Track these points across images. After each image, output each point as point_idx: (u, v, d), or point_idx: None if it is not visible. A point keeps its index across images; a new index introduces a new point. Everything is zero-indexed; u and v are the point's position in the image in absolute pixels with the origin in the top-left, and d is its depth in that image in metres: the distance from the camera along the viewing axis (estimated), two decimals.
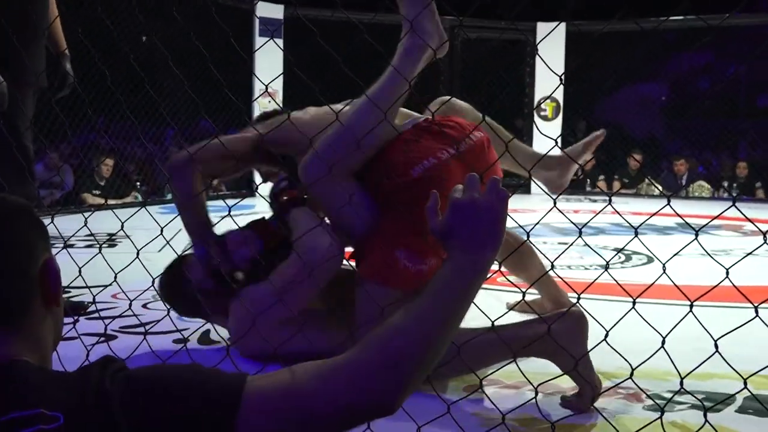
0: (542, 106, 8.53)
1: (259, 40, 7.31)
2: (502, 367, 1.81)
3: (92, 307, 2.53)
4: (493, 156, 2.14)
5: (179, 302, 2.32)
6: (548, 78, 8.30)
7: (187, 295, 2.23)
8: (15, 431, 0.79)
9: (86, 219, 2.14)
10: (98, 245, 2.15)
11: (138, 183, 7.47)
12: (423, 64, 2.06)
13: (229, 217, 1.92)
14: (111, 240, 4.39)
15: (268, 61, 6.84)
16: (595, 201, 8.09)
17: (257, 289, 2.13)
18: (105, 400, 0.83)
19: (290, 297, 2.07)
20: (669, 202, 1.40)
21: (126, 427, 0.82)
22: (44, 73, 2.97)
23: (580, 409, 1.83)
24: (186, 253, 2.32)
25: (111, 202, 6.68)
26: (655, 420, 1.56)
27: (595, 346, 1.62)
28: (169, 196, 7.26)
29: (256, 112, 7.23)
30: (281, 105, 7.32)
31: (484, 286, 1.06)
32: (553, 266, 1.61)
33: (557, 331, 1.80)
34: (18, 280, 0.91)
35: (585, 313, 1.84)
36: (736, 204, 1.45)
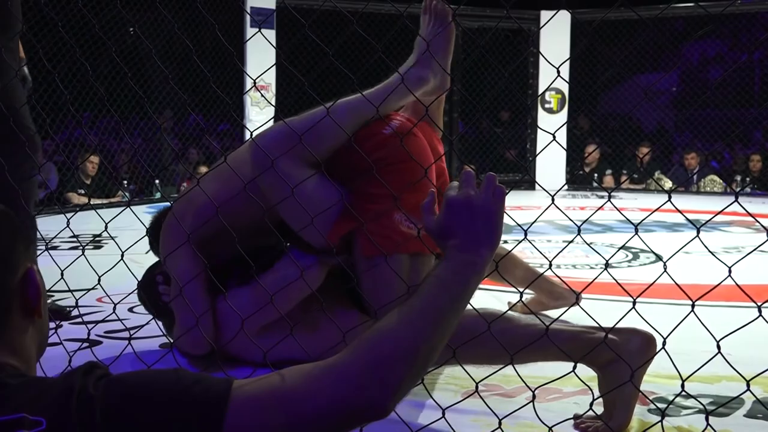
0: (547, 98, 8.35)
1: (250, 31, 7.13)
2: (498, 370, 1.70)
3: (75, 312, 2.53)
4: (427, 127, 2.14)
5: (150, 305, 2.29)
6: (553, 69, 8.08)
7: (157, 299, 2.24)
8: None
9: (68, 220, 2.05)
10: (81, 247, 2.08)
11: (125, 182, 7.32)
12: (405, 100, 2.05)
13: None
14: (96, 241, 4.29)
15: (261, 53, 6.64)
16: (602, 197, 7.90)
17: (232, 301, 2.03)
18: (88, 405, 0.83)
19: (260, 315, 1.99)
20: (670, 198, 1.36)
21: None
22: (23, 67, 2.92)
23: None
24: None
25: (97, 201, 6.53)
26: (656, 423, 1.54)
27: (594, 348, 1.56)
28: (158, 195, 7.10)
29: (248, 105, 7.05)
30: (274, 98, 7.17)
31: (482, 285, 1.00)
32: (551, 265, 1.52)
33: (626, 344, 1.69)
34: None
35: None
36: (740, 199, 1.41)
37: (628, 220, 1.43)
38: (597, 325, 1.76)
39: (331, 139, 1.94)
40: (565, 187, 8.31)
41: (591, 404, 1.56)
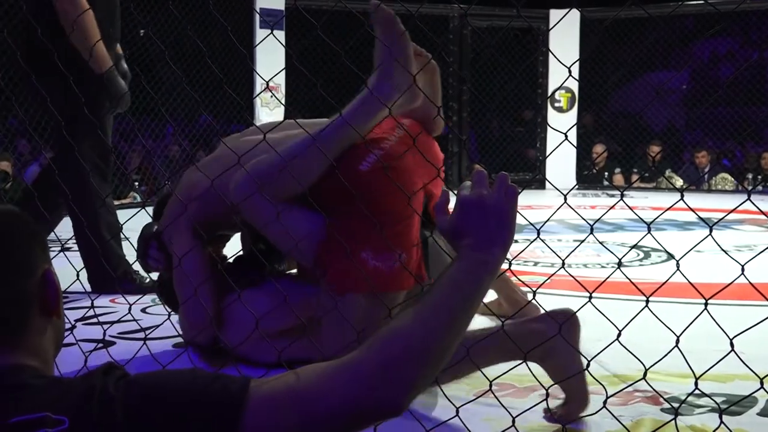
0: (557, 96, 8.33)
1: (259, 33, 7.13)
2: (511, 369, 1.71)
3: (90, 312, 2.57)
4: (429, 138, 2.11)
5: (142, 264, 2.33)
6: (563, 67, 8.06)
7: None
8: None
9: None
10: (97, 248, 2.08)
11: (136, 183, 7.34)
12: (381, 117, 1.92)
13: None
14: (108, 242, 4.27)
15: (270, 54, 6.65)
16: (612, 196, 7.87)
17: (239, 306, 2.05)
18: (109, 405, 0.84)
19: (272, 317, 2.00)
20: (682, 197, 1.35)
21: None
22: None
23: (567, 420, 1.74)
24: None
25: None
26: (668, 422, 1.52)
27: (606, 347, 1.54)
28: None
29: (258, 106, 7.06)
30: (284, 99, 7.17)
31: None
32: (563, 264, 1.50)
33: (550, 332, 1.69)
34: (15, 294, 0.92)
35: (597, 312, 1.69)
36: (753, 197, 1.41)
37: (640, 218, 1.42)
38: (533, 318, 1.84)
39: (305, 178, 1.91)
40: (576, 186, 8.28)
41: (546, 399, 1.56)
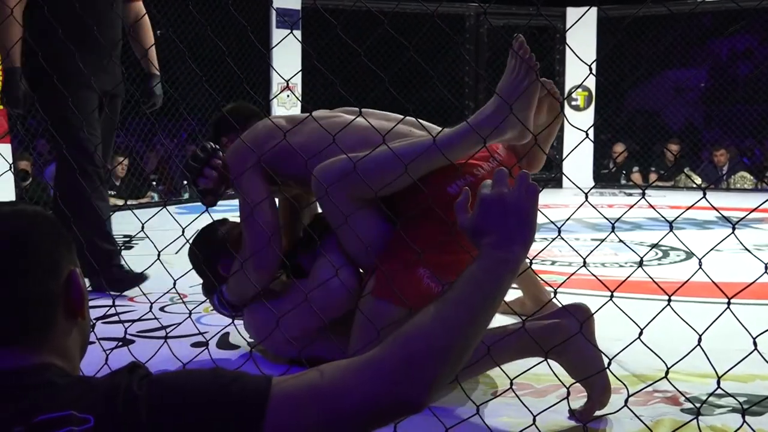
0: (573, 95, 8.28)
1: (276, 32, 7.15)
2: (530, 369, 1.70)
3: (111, 311, 2.59)
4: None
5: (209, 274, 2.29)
6: (579, 66, 8.03)
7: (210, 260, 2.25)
8: (46, 431, 0.81)
9: (105, 221, 2.05)
10: (124, 247, 2.07)
11: (154, 182, 7.38)
12: (474, 149, 1.88)
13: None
14: (128, 242, 4.34)
15: (286, 54, 6.66)
16: (630, 194, 7.82)
17: (262, 308, 2.12)
18: (133, 404, 0.84)
19: (292, 321, 2.01)
20: (705, 195, 1.34)
21: (152, 431, 0.83)
22: (122, 84, 3.30)
23: (587, 418, 1.75)
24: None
25: (129, 202, 6.59)
26: (690, 421, 1.51)
27: (627, 346, 1.54)
28: (186, 196, 7.16)
29: (274, 105, 7.07)
30: (300, 98, 7.19)
31: None
32: (585, 263, 1.51)
33: (565, 327, 1.69)
34: (39, 299, 0.92)
35: (618, 311, 1.70)
36: None
37: (663, 217, 1.41)
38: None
39: (391, 184, 1.90)
40: (592, 184, 8.23)
41: (567, 398, 1.56)
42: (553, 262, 3.85)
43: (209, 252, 2.24)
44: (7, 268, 0.90)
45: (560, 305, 1.91)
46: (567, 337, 1.71)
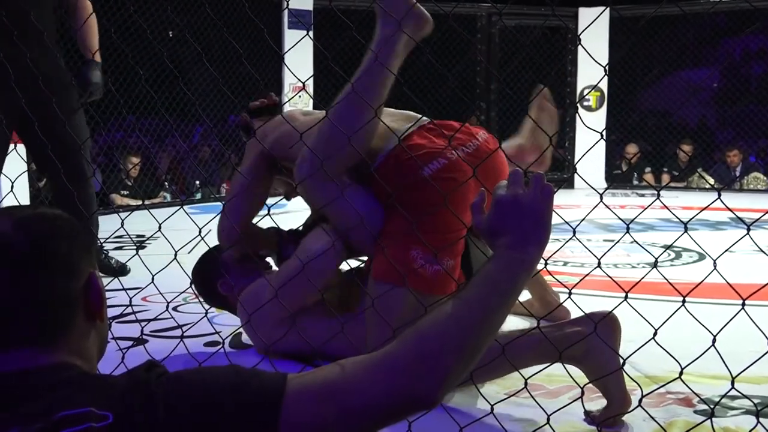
0: (585, 95, 8.26)
1: (287, 33, 7.16)
2: (542, 370, 1.70)
3: (128, 310, 2.58)
4: (501, 156, 2.13)
5: (205, 294, 2.43)
6: (591, 66, 8.01)
7: (210, 289, 2.39)
8: (66, 428, 0.82)
9: (123, 220, 2.11)
10: (135, 247, 2.24)
11: (166, 183, 7.40)
12: (405, 50, 2.01)
13: (269, 216, 2.01)
14: (141, 241, 4.38)
15: (297, 54, 6.68)
16: (642, 195, 7.78)
17: (256, 286, 2.21)
18: (151, 402, 0.85)
19: (286, 295, 2.05)
20: (720, 195, 1.34)
21: (169, 428, 0.84)
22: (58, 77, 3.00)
23: (607, 424, 1.74)
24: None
25: (140, 202, 6.61)
26: (703, 422, 1.51)
27: (642, 346, 1.54)
28: (198, 196, 7.18)
29: (286, 106, 7.09)
30: (311, 99, 7.20)
31: None
32: (599, 264, 1.52)
33: (589, 331, 1.70)
34: (59, 299, 0.93)
35: (631, 312, 1.68)
36: None
37: (678, 218, 1.42)
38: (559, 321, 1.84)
39: (360, 139, 1.96)
40: (605, 185, 8.20)
41: (581, 398, 1.56)
42: (566, 263, 3.84)
43: (206, 274, 2.38)
44: (28, 269, 0.91)
45: (578, 307, 1.92)
46: (592, 347, 1.74)
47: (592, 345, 1.75)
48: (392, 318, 1.80)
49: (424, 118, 2.21)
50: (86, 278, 0.96)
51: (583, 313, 1.84)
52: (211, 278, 2.35)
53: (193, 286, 2.36)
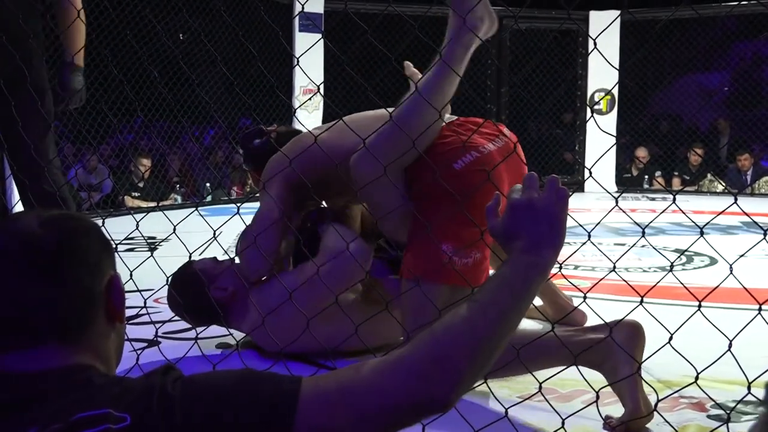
0: (596, 99, 8.24)
1: (298, 36, 7.18)
2: (557, 374, 1.71)
3: (142, 311, 2.58)
4: (522, 153, 2.18)
5: (199, 310, 2.29)
6: (602, 70, 8.00)
7: (204, 302, 2.21)
8: (84, 429, 0.82)
9: (138, 222, 2.11)
10: (150, 249, 2.12)
11: (177, 185, 7.43)
12: (471, 51, 2.01)
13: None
14: (152, 243, 4.34)
15: (307, 57, 6.70)
16: (653, 199, 7.76)
17: (271, 286, 2.19)
18: (168, 404, 0.86)
19: (305, 296, 2.05)
20: (736, 200, 1.33)
21: (186, 431, 0.85)
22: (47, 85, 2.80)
23: (619, 430, 1.73)
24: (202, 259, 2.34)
25: (151, 204, 6.64)
26: (717, 428, 1.52)
27: (658, 350, 1.53)
28: (209, 198, 7.20)
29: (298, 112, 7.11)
30: (322, 101, 7.21)
31: None
32: (615, 268, 1.52)
33: (611, 338, 1.70)
34: (83, 298, 0.94)
35: (644, 316, 1.69)
36: None
37: (694, 223, 1.40)
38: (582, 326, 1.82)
39: (422, 139, 1.98)
40: (615, 188, 8.19)
41: (596, 402, 1.56)
42: (576, 267, 3.83)
43: (194, 288, 2.22)
44: (54, 268, 0.93)
45: (592, 311, 1.92)
46: (611, 352, 1.74)
47: (611, 350, 1.75)
48: (427, 313, 1.80)
49: (451, 115, 2.23)
50: (108, 279, 0.98)
51: (601, 319, 1.83)
52: (200, 290, 2.20)
53: (172, 309, 2.30)
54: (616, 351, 1.76)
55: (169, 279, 2.25)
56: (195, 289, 2.21)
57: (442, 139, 2.07)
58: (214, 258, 2.35)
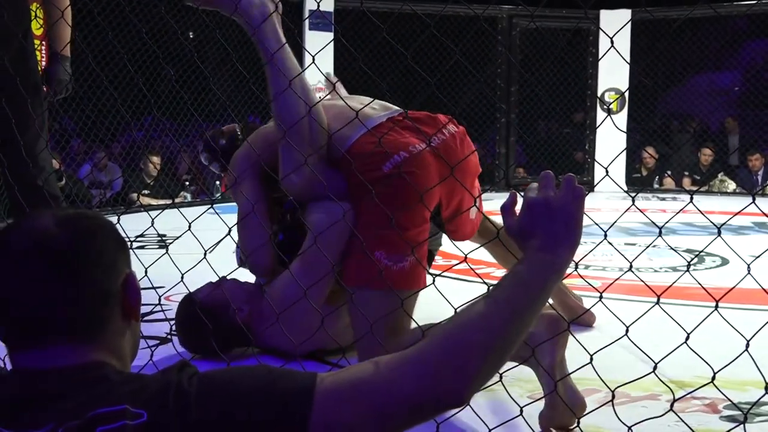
0: (606, 98, 8.22)
1: (308, 35, 7.19)
2: (571, 373, 1.70)
3: (156, 308, 2.56)
4: (470, 147, 2.17)
5: (227, 340, 2.17)
6: (612, 69, 7.97)
7: (230, 331, 2.15)
8: (101, 425, 0.84)
9: (153, 219, 2.10)
10: (165, 246, 2.21)
11: (187, 182, 7.44)
12: (279, 22, 2.15)
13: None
14: (162, 240, 4.34)
15: (318, 55, 6.69)
16: (663, 199, 7.73)
17: (281, 281, 2.16)
18: (184, 401, 0.87)
19: (312, 279, 2.03)
20: (754, 199, 1.34)
21: (202, 427, 0.86)
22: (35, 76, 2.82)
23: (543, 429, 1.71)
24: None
25: (160, 202, 6.65)
26: (734, 428, 1.50)
27: (673, 350, 1.51)
28: (218, 196, 7.20)
29: None
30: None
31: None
32: (631, 267, 1.53)
33: (534, 334, 1.64)
34: (99, 296, 0.95)
35: (657, 317, 1.66)
36: None
37: (712, 223, 1.40)
38: None
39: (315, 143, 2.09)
40: (625, 188, 8.16)
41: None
42: (587, 266, 3.82)
43: (216, 317, 2.13)
44: (70, 266, 0.93)
45: (609, 311, 1.90)
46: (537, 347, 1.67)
47: (534, 342, 1.66)
48: (370, 319, 1.82)
49: (396, 108, 2.24)
50: (124, 277, 0.98)
51: (618, 319, 1.82)
52: (222, 321, 2.14)
53: (191, 346, 2.22)
54: (537, 342, 1.67)
55: (179, 321, 2.26)
56: (216, 317, 2.12)
57: (372, 135, 2.04)
58: (210, 283, 2.26)
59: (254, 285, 2.30)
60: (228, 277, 2.23)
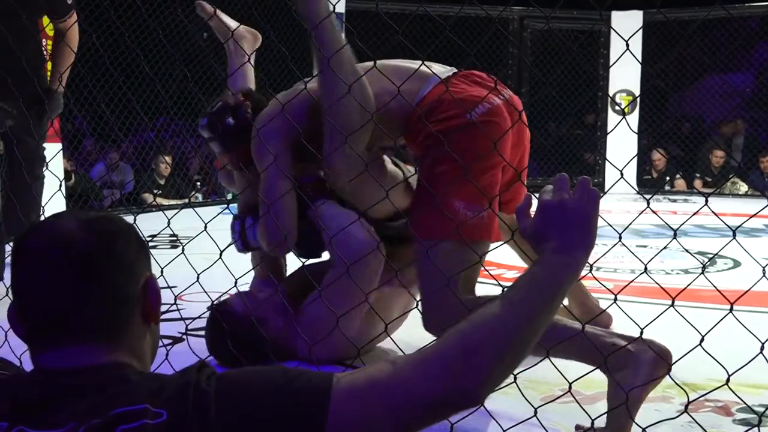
0: (617, 100, 8.19)
1: None
2: (583, 376, 1.69)
3: (172, 308, 2.62)
4: (524, 117, 2.13)
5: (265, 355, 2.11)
6: (624, 70, 7.95)
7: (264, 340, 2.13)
8: (122, 424, 0.85)
9: (169, 219, 2.10)
10: (173, 246, 2.14)
11: (198, 183, 7.46)
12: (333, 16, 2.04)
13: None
14: (174, 240, 4.36)
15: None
16: (674, 201, 7.70)
17: (315, 307, 2.11)
18: (203, 401, 0.88)
19: (346, 303, 2.02)
20: None
21: (221, 427, 0.86)
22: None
23: None
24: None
25: (172, 202, 6.67)
26: (749, 430, 1.52)
27: (688, 353, 1.51)
28: (230, 196, 7.22)
29: None
30: None
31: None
32: (646, 269, 1.55)
33: (639, 353, 1.66)
34: (120, 299, 0.96)
35: (671, 319, 1.66)
36: None
37: (727, 225, 1.40)
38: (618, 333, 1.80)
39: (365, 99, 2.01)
40: (636, 189, 8.13)
41: (626, 404, 1.53)
42: (599, 268, 3.82)
43: (251, 338, 2.12)
44: (93, 268, 0.94)
45: (623, 313, 1.90)
46: (637, 368, 1.68)
47: (637, 362, 1.67)
48: (446, 272, 1.79)
49: (450, 67, 2.20)
50: (145, 280, 0.99)
51: (633, 321, 1.82)
52: (263, 330, 2.12)
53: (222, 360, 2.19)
54: (639, 366, 1.68)
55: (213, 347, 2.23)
56: (260, 337, 2.11)
57: (443, 90, 2.00)
58: (238, 294, 2.24)
59: (271, 294, 2.25)
60: (237, 283, 2.19)
